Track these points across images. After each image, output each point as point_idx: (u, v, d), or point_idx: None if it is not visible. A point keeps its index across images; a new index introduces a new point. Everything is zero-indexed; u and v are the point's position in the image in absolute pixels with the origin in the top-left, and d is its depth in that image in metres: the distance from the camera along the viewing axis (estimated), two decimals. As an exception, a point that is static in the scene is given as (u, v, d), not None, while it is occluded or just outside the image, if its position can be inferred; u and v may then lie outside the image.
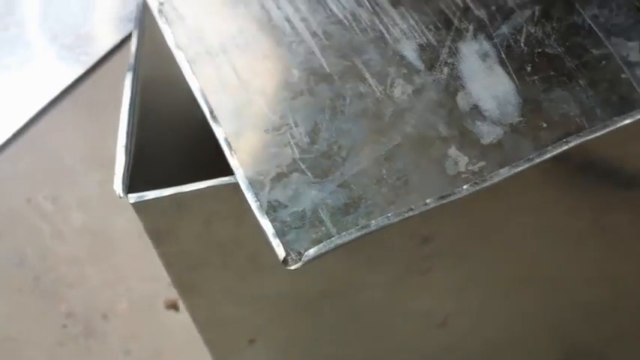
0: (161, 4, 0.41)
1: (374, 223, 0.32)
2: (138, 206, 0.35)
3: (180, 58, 0.39)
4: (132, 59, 0.41)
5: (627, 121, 0.34)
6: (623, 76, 0.36)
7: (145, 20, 0.44)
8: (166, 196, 0.35)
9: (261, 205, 0.33)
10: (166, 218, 0.36)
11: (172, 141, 0.45)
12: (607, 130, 0.34)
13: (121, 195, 0.35)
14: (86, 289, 0.79)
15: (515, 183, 0.34)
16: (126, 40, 1.02)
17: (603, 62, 0.37)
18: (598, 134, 0.34)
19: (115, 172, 0.36)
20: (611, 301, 0.55)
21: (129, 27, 1.03)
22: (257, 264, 0.43)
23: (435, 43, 0.38)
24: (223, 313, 0.48)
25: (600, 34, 0.38)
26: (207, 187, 0.35)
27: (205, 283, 0.44)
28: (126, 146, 0.37)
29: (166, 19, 0.40)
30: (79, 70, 1.00)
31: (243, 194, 0.34)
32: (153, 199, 0.35)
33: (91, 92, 0.98)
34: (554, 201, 0.43)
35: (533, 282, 0.50)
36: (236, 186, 0.34)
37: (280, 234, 0.32)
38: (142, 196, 0.35)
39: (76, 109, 0.96)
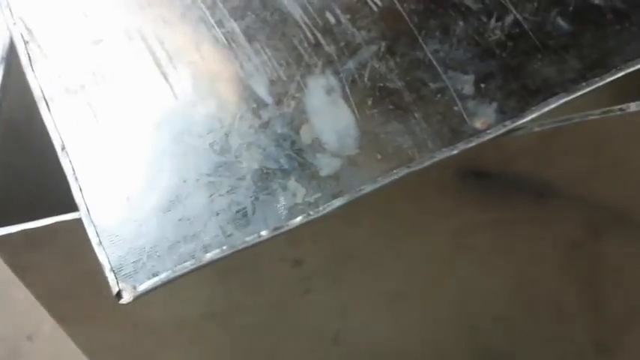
0: (26, 42, 0.42)
1: (208, 257, 0.34)
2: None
3: (37, 95, 0.40)
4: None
5: (454, 152, 0.36)
6: (455, 108, 0.38)
7: (12, 57, 0.44)
8: (18, 232, 0.36)
9: (100, 241, 0.34)
10: (24, 253, 0.37)
11: (34, 177, 0.46)
12: (432, 161, 0.36)
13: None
14: (11, 312, 0.80)
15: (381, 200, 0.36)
16: None
17: (439, 95, 0.39)
18: (426, 165, 0.36)
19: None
20: (520, 309, 0.57)
21: None
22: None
23: (285, 78, 0.40)
24: (107, 340, 0.49)
25: (439, 68, 0.40)
26: (57, 222, 0.36)
27: (80, 312, 0.45)
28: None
29: (29, 57, 0.41)
30: None
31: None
32: (5, 235, 0.36)
33: None
34: (443, 217, 0.45)
35: (409, 296, 0.52)
36: (79, 222, 0.35)
37: (116, 269, 0.33)
38: (-6, 232, 0.36)
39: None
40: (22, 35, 0.42)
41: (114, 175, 0.37)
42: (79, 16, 0.42)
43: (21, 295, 0.83)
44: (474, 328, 0.59)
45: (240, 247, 0.34)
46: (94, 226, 0.34)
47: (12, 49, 0.44)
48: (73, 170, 0.36)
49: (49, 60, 0.41)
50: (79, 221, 0.36)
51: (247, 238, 0.34)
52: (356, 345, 0.57)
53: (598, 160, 0.43)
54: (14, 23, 0.43)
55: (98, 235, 0.34)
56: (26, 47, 0.42)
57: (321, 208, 0.35)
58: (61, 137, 0.38)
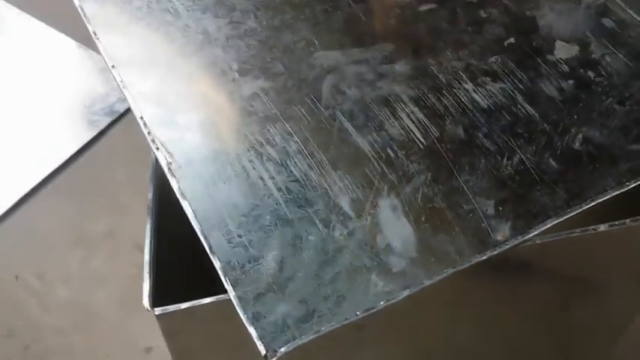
0: (169, 163, 0.58)
1: (323, 329, 0.50)
2: (161, 316, 0.52)
3: (185, 206, 0.56)
4: (149, 203, 0.58)
5: (484, 257, 0.54)
6: (482, 225, 0.55)
7: (157, 170, 0.61)
8: (183, 309, 0.51)
9: (247, 317, 0.50)
10: (181, 322, 0.53)
11: (180, 257, 0.62)
12: (470, 264, 0.53)
13: (149, 308, 0.51)
14: (72, 357, 0.93)
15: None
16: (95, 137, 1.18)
17: (470, 215, 0.56)
18: (465, 266, 0.53)
19: (143, 290, 0.52)
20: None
21: (93, 128, 1.19)
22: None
23: (362, 198, 0.57)
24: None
25: (469, 194, 0.57)
26: (210, 302, 0.52)
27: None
28: (149, 270, 0.54)
29: (173, 174, 0.58)
30: (57, 162, 1.15)
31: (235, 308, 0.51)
32: (173, 311, 0.52)
33: (68, 181, 1.13)
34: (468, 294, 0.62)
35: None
36: (230, 302, 0.51)
37: (261, 337, 0.49)
38: (165, 309, 0.52)
39: (55, 196, 1.11)
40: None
41: (248, 271, 0.53)
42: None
43: (80, 342, 0.97)
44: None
45: (345, 322, 0.50)
46: (242, 306, 0.50)
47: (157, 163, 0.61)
48: (221, 266, 0.52)
49: (187, 176, 0.58)
50: (227, 301, 0.52)
51: (347, 316, 0.51)
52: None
53: (577, 259, 0.61)
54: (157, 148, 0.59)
55: (246, 313, 0.50)
56: (169, 166, 0.58)
57: (394, 296, 0.52)
58: (207, 238, 0.54)
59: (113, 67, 0.63)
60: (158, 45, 0.66)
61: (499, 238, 0.55)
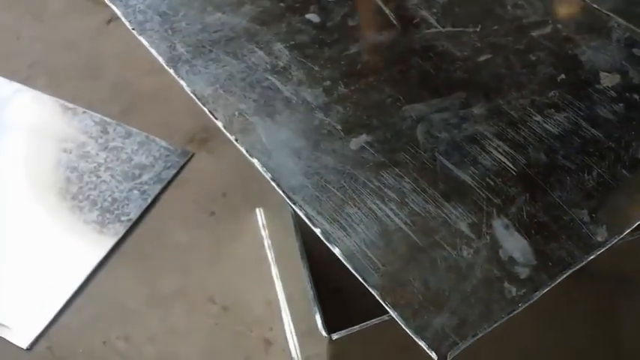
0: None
1: (479, 333, 0.60)
2: (337, 340, 0.61)
3: (337, 252, 0.65)
4: (298, 245, 0.67)
5: (590, 258, 0.64)
6: (583, 231, 0.66)
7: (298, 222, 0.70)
8: (356, 331, 0.60)
9: (410, 331, 0.60)
10: (351, 345, 0.62)
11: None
12: (582, 263, 0.63)
13: (325, 335, 0.60)
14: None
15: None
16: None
17: (571, 224, 0.67)
18: (578, 266, 0.63)
19: (316, 320, 0.61)
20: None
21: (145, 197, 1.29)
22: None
23: (477, 221, 0.67)
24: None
25: (565, 207, 0.68)
26: (377, 322, 0.61)
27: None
28: (316, 305, 0.63)
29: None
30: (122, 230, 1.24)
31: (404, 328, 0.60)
32: (347, 334, 0.61)
33: (133, 246, 1.21)
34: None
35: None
36: (393, 320, 0.60)
37: (430, 345, 0.59)
38: (341, 334, 0.60)
39: (125, 261, 1.19)
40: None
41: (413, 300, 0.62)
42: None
43: None
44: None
45: (495, 325, 0.60)
46: (406, 323, 0.60)
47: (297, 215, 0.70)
48: (379, 292, 0.62)
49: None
50: (392, 320, 0.61)
51: (496, 318, 0.60)
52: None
53: None
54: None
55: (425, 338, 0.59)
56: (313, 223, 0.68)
57: (528, 298, 0.62)
58: (358, 270, 0.63)
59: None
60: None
61: (599, 239, 0.66)
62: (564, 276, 0.63)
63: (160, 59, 0.81)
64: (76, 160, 1.37)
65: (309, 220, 0.68)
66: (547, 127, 0.75)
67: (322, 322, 0.60)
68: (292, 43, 0.84)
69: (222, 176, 1.34)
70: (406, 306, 0.61)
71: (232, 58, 0.82)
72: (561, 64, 0.82)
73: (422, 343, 0.59)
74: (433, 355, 0.58)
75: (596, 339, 0.93)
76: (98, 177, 1.34)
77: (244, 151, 0.72)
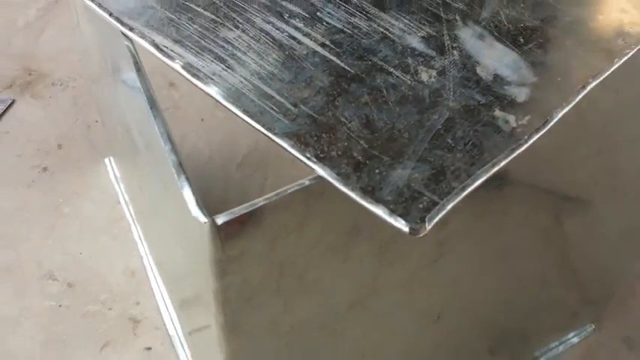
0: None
1: (469, 182, 0.34)
2: (224, 226, 0.33)
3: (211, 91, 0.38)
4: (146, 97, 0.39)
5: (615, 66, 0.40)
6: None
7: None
8: (260, 207, 0.33)
9: (356, 194, 0.33)
10: (241, 241, 0.35)
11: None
12: (616, 66, 0.40)
13: (205, 219, 0.33)
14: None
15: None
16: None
17: (574, 25, 0.43)
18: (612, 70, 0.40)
19: (186, 201, 0.34)
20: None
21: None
22: (304, 283, 0.42)
23: (434, 34, 0.42)
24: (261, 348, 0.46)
25: (555, 4, 0.44)
26: (295, 190, 0.34)
27: (255, 316, 0.41)
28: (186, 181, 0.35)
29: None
30: None
31: (332, 189, 0.34)
32: (240, 214, 0.33)
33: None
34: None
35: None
36: (314, 187, 0.34)
37: (394, 211, 0.32)
38: (230, 214, 0.33)
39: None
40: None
41: (331, 141, 0.36)
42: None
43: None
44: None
45: (493, 171, 0.35)
46: (343, 182, 0.33)
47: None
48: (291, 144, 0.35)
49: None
50: (308, 189, 0.34)
51: (494, 161, 0.35)
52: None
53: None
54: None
55: (352, 190, 0.33)
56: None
57: (537, 128, 0.37)
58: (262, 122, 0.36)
59: None
60: None
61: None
62: (585, 92, 0.39)
63: None
64: None
65: (160, 50, 0.40)
66: None
67: (197, 201, 0.33)
68: None
69: (55, 125, 1.00)
70: (342, 158, 0.35)
71: None
72: None
73: (378, 211, 0.33)
74: (400, 224, 0.32)
75: (546, 261, 0.69)
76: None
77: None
